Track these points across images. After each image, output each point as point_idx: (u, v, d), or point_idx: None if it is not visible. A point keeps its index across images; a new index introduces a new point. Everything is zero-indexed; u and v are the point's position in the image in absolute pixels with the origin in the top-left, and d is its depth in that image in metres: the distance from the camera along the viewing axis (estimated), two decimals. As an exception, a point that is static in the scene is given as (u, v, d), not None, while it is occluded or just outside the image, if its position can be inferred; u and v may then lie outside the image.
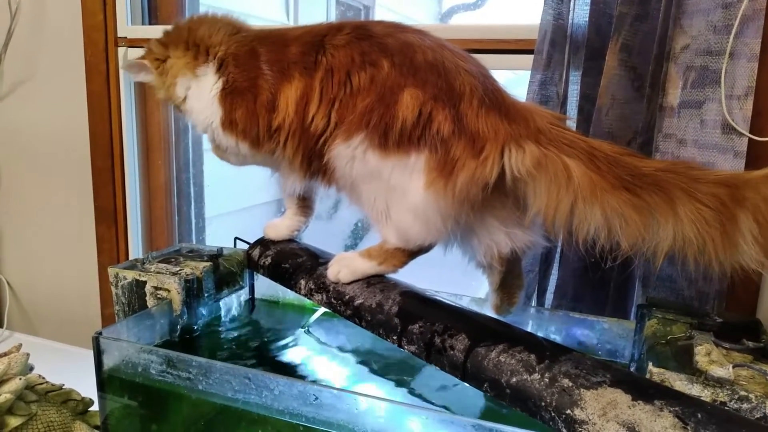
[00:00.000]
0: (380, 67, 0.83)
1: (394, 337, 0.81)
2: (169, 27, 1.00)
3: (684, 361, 0.72)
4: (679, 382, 0.66)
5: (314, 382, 0.90)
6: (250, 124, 0.93)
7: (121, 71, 1.60)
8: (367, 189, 0.86)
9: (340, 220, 2.03)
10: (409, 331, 0.79)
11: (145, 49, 1.01)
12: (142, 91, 1.65)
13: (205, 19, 0.99)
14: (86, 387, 0.99)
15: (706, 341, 0.74)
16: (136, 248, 1.71)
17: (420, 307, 0.82)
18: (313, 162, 0.91)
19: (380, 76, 0.83)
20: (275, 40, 0.94)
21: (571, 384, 0.63)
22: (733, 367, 0.66)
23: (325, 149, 0.88)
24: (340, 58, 0.86)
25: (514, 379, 0.67)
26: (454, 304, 0.84)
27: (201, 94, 0.95)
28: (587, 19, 1.03)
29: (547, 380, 0.65)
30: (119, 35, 1.58)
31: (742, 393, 0.63)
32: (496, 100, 0.81)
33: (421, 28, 0.88)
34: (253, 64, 0.92)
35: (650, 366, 0.68)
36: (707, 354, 0.70)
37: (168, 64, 0.98)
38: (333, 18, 2.58)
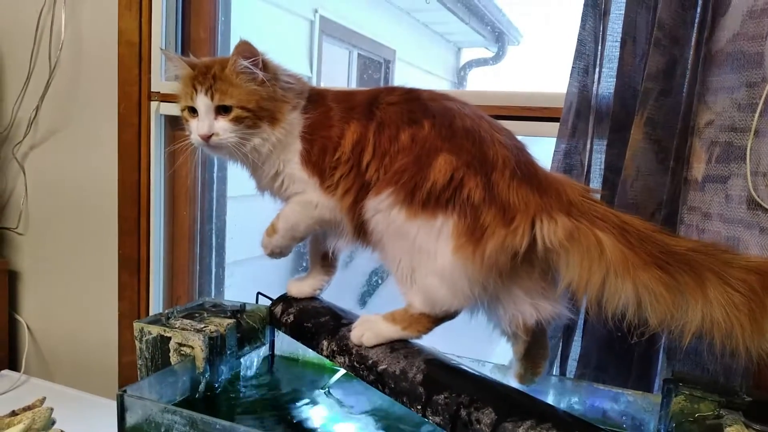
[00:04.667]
0: (422, 126, 0.87)
1: (419, 407, 0.80)
2: None
3: (713, 442, 0.71)
4: (711, 467, 0.64)
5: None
6: (322, 157, 0.94)
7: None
8: (393, 248, 0.88)
9: (355, 270, 2.04)
10: (434, 402, 0.78)
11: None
12: (172, 143, 1.70)
13: None
14: (102, 438, 0.99)
15: (736, 422, 0.73)
16: (157, 297, 1.72)
17: (445, 376, 0.82)
18: (360, 216, 0.92)
19: (421, 135, 0.87)
20: (336, 92, 0.99)
21: (600, 467, 0.62)
22: (767, 453, 0.65)
23: None
24: (390, 114, 0.91)
25: (542, 459, 0.66)
26: (479, 374, 0.84)
27: (291, 128, 0.96)
28: (612, 91, 1.06)
29: (576, 462, 0.64)
30: (153, 90, 1.63)
31: (777, 482, 0.61)
32: (528, 172, 0.83)
33: (462, 99, 0.92)
34: (323, 102, 0.97)
35: (681, 449, 0.67)
36: (738, 436, 0.69)
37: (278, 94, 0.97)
38: (355, 71, 2.65)
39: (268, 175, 0.99)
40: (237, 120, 0.92)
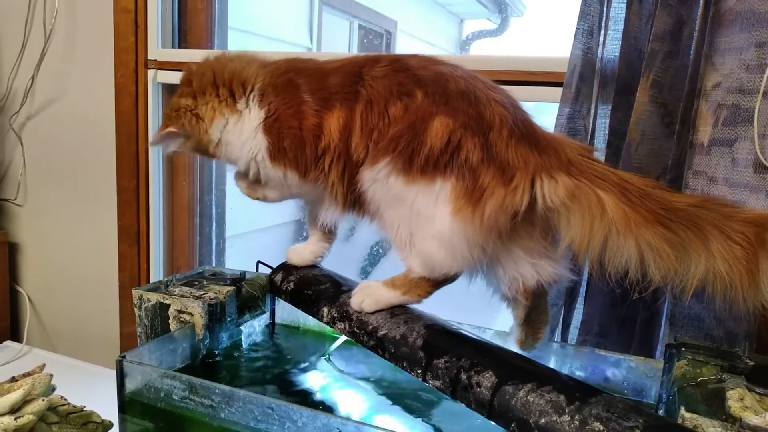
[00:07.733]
0: (414, 96, 0.84)
1: (419, 371, 0.80)
2: (183, 79, 0.99)
3: (715, 406, 0.70)
4: (713, 429, 0.64)
5: (333, 412, 0.89)
6: (299, 151, 0.92)
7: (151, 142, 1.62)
8: (390, 215, 0.87)
9: (357, 243, 2.04)
10: (434, 366, 0.78)
11: (169, 113, 0.99)
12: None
13: (227, 57, 0.99)
14: (101, 406, 0.99)
15: (738, 385, 0.72)
16: (157, 267, 1.72)
17: (445, 340, 0.81)
18: (354, 191, 0.91)
19: (414, 105, 0.84)
20: (312, 72, 0.94)
21: (602, 428, 0.62)
22: (770, 415, 0.65)
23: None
24: (378, 89, 0.87)
25: (543, 420, 0.65)
26: (479, 338, 0.83)
27: (243, 128, 0.95)
28: (617, 54, 1.03)
29: (577, 423, 0.63)
30: (149, 57, 1.61)
31: (780, 443, 0.61)
32: (526, 131, 0.82)
33: (453, 62, 0.89)
34: (294, 92, 0.93)
35: (682, 411, 0.67)
36: (740, 399, 0.68)
37: (201, 112, 0.96)
38: (355, 42, 2.61)
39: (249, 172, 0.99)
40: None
